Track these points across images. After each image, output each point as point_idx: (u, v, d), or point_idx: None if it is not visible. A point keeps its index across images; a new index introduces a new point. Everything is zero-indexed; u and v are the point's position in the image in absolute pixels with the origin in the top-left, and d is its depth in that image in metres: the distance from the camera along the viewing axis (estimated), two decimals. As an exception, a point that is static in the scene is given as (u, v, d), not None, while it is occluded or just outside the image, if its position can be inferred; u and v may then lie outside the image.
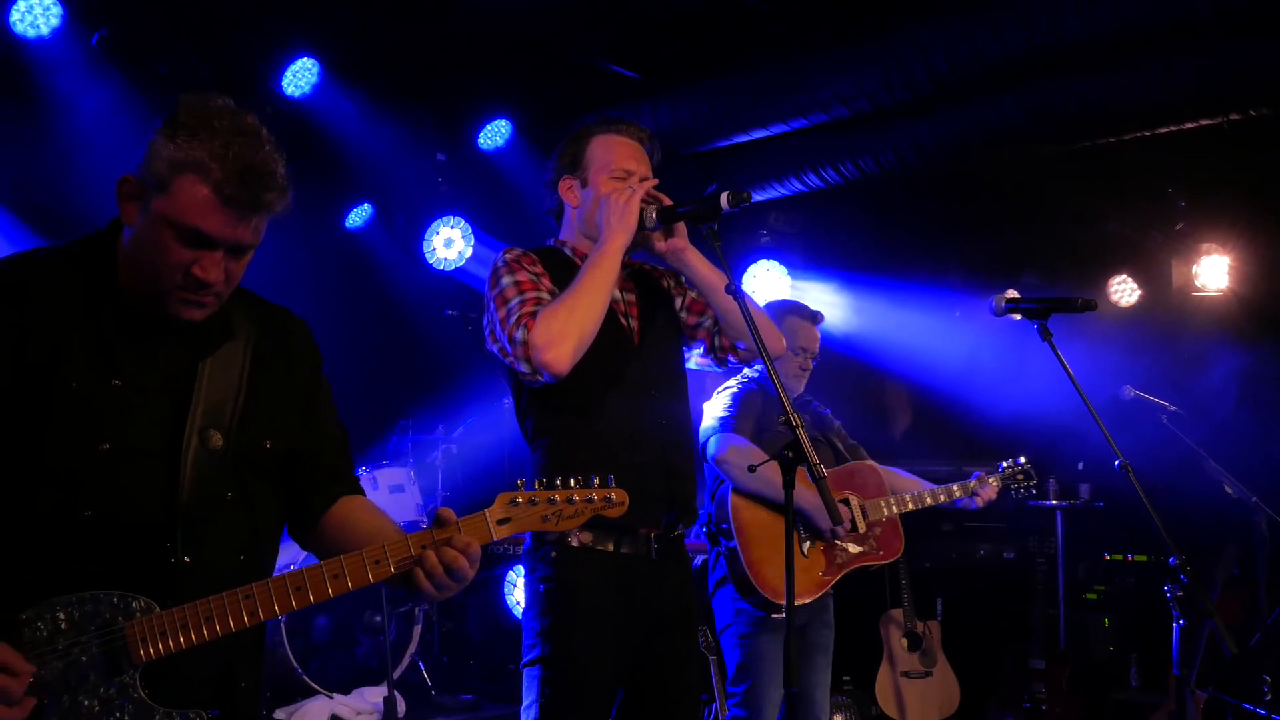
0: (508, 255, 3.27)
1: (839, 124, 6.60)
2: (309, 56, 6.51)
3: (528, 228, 6.34)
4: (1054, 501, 7.21)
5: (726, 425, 4.46)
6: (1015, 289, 4.02)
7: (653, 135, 3.48)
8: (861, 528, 4.50)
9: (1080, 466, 7.46)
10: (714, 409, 4.55)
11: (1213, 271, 7.64)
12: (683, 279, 3.52)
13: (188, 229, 2.09)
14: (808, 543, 4.39)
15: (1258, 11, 5.05)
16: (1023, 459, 5.01)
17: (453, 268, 7.81)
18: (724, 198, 3.08)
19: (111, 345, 2.17)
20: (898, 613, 6.24)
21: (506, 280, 3.19)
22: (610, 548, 3.19)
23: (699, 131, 6.94)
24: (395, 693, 5.98)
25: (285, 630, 5.98)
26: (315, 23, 6.35)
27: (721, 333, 3.46)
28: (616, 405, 3.24)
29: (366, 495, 2.55)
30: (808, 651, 4.55)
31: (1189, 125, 6.03)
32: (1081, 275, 8.10)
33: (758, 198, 7.46)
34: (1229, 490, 6.10)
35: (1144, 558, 7.58)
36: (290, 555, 2.17)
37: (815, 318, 4.85)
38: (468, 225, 7.81)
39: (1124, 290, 8.12)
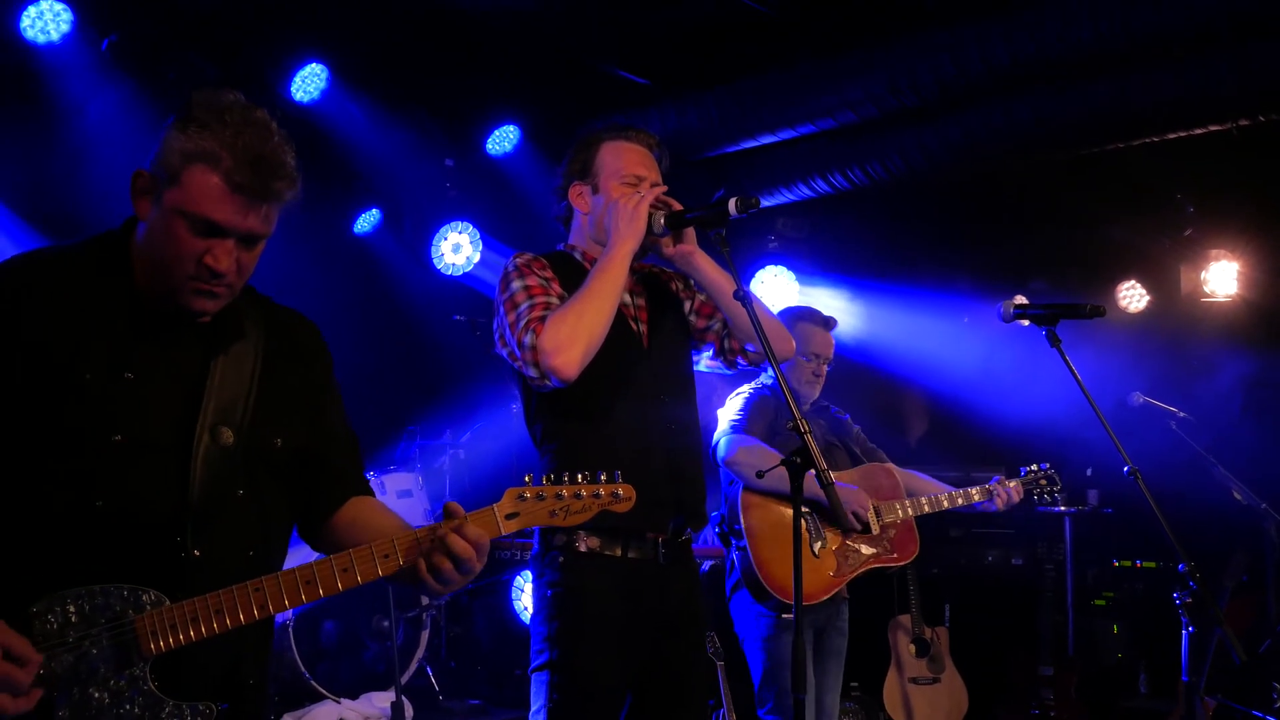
0: (518, 260, 3.27)
1: (847, 130, 6.61)
2: (318, 62, 6.53)
3: (536, 233, 6.34)
4: (1062, 507, 7.17)
5: (737, 429, 4.48)
6: (1024, 295, 4.02)
7: (661, 141, 3.49)
8: (875, 529, 4.50)
9: (1089, 472, 7.43)
10: (727, 414, 4.58)
11: (1221, 277, 7.62)
12: (692, 282, 3.52)
13: (199, 218, 2.11)
14: (819, 543, 4.39)
15: (1268, 17, 5.04)
16: (1046, 464, 5.02)
17: (461, 273, 7.82)
18: (732, 203, 3.08)
19: (125, 340, 2.19)
20: (906, 619, 6.23)
21: (516, 285, 3.20)
22: (618, 552, 3.19)
23: (708, 137, 6.95)
24: (403, 698, 5.97)
25: (293, 635, 5.98)
26: (324, 29, 6.37)
27: (731, 335, 3.46)
28: (625, 409, 3.24)
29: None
30: (823, 658, 4.54)
31: (1198, 131, 6.02)
32: (1090, 281, 8.07)
33: (766, 203, 7.46)
34: (1238, 496, 6.08)
35: (1153, 564, 7.55)
36: (300, 558, 2.18)
37: (828, 323, 4.85)
38: (476, 230, 7.82)
39: (1132, 296, 8.10)
